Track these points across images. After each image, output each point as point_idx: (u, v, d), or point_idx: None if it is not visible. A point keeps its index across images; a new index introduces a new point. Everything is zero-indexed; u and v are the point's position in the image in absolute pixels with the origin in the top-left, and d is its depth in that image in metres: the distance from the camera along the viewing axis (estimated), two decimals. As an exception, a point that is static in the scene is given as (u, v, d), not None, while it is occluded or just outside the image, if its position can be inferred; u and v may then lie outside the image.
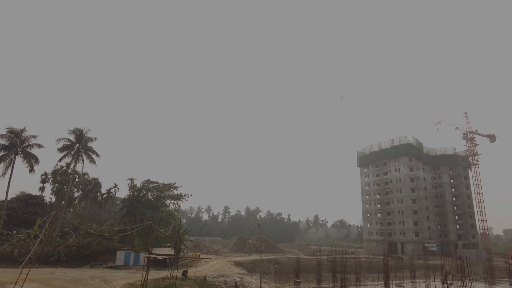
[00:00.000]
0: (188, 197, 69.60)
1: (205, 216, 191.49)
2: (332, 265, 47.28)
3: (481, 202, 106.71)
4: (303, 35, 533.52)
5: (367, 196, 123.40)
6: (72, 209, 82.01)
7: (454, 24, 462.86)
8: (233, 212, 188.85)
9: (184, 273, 39.20)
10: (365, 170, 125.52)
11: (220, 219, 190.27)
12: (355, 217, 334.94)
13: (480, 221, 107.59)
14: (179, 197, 68.52)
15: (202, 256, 70.48)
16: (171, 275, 35.38)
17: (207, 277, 39.69)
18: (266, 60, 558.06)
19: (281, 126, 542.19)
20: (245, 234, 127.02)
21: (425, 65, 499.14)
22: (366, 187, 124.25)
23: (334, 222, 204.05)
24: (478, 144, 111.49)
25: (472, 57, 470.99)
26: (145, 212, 62.76)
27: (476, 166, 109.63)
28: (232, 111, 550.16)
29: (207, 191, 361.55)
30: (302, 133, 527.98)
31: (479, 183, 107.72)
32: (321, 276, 44.46)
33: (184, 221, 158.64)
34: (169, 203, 69.43)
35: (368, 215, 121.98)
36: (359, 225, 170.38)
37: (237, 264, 61.26)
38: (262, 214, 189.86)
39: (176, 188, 68.30)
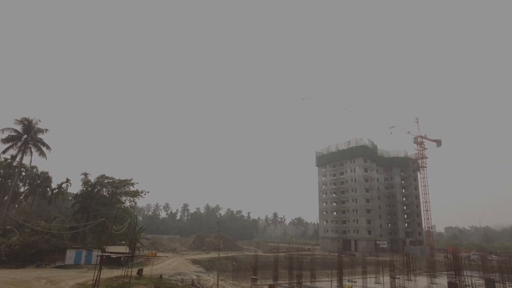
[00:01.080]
0: (145, 194, 67.67)
1: (163, 214, 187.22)
2: (289, 261, 48.28)
3: (427, 202, 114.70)
4: (268, 36, 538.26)
5: (324, 195, 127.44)
6: (16, 205, 76.38)
7: (409, 33, 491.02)
8: (192, 209, 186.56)
9: (139, 272, 38.09)
10: (323, 169, 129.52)
11: (178, 217, 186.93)
12: (312, 215, 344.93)
13: (426, 220, 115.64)
14: (135, 193, 66.37)
15: (159, 254, 68.83)
16: (126, 274, 34.23)
17: (163, 276, 38.91)
18: (231, 57, 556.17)
19: (243, 125, 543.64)
20: (204, 232, 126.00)
21: (381, 72, 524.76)
22: (323, 186, 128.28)
23: (292, 219, 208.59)
24: (426, 148, 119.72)
25: (424, 67, 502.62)
26: (99, 208, 60.06)
27: (424, 168, 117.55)
28: (195, 108, 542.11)
29: (165, 189, 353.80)
30: (264, 133, 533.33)
31: (426, 185, 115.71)
32: (278, 272, 45.33)
33: (140, 218, 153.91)
34: (124, 200, 67.07)
35: (324, 213, 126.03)
36: (315, 223, 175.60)
37: (195, 262, 60.63)
38: (222, 212, 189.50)
39: (132, 184, 66.12)
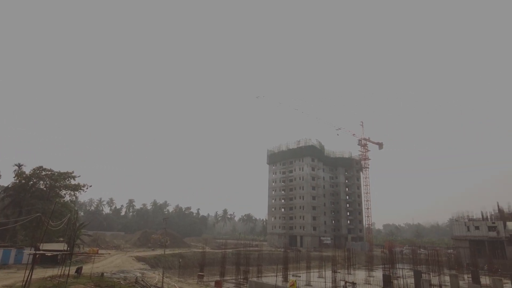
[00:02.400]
0: (87, 188, 63.77)
1: (106, 209, 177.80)
2: (237, 258, 48.69)
3: (368, 200, 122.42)
4: (227, 33, 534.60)
5: (273, 192, 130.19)
6: None
7: (357, 39, 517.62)
8: (138, 205, 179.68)
9: (78, 270, 35.90)
10: (273, 167, 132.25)
11: (123, 213, 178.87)
12: (261, 212, 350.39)
13: (367, 217, 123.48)
14: (76, 187, 62.25)
15: (101, 251, 65.44)
16: (62, 273, 32.10)
17: (104, 274, 37.14)
18: (184, 53, 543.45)
19: (194, 121, 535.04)
20: (151, 229, 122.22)
21: (331, 76, 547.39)
22: (273, 183, 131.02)
23: (242, 216, 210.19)
24: (369, 150, 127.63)
25: (372, 72, 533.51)
26: (34, 203, 55.38)
27: (367, 169, 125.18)
28: (145, 101, 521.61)
29: (110, 183, 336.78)
30: (215, 130, 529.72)
31: (368, 184, 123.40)
32: (225, 269, 45.52)
33: (82, 214, 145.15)
34: (64, 194, 62.64)
35: (273, 209, 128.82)
36: (264, 219, 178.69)
37: (140, 259, 58.63)
38: (171, 208, 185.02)
39: (73, 177, 61.93)
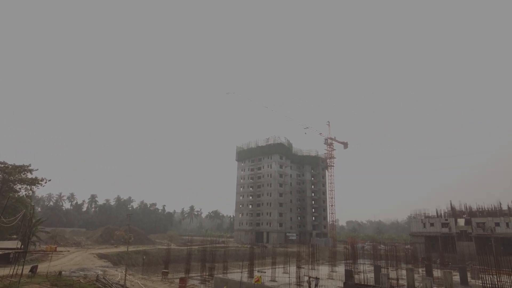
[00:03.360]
0: (46, 182, 60.58)
1: (67, 205, 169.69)
2: (203, 254, 48.43)
3: (332, 198, 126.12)
4: (198, 29, 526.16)
5: (241, 189, 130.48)
6: None
7: (327, 42, 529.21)
8: (101, 201, 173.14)
9: (33, 269, 34.08)
10: (242, 164, 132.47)
11: (85, 209, 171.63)
12: (229, 208, 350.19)
13: (331, 214, 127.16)
14: (33, 181, 58.96)
15: (59, 249, 62.56)
16: (15, 273, 30.34)
17: (63, 272, 35.61)
18: (156, 46, 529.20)
19: (162, 116, 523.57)
20: (114, 225, 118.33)
21: (300, 76, 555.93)
22: (241, 180, 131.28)
23: (209, 212, 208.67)
24: (335, 149, 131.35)
25: (341, 73, 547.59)
26: (-16, 198, 51.83)
27: (332, 167, 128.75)
28: (113, 96, 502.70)
29: (71, 178, 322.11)
30: (184, 125, 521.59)
31: (332, 182, 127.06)
32: (190, 265, 45.12)
33: (39, 209, 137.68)
34: (19, 188, 59.12)
35: (240, 206, 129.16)
36: (232, 216, 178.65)
37: (101, 256, 56.72)
38: (135, 204, 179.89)
39: (30, 171, 58.61)
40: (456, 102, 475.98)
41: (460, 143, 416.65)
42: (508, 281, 29.91)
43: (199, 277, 44.49)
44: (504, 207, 69.74)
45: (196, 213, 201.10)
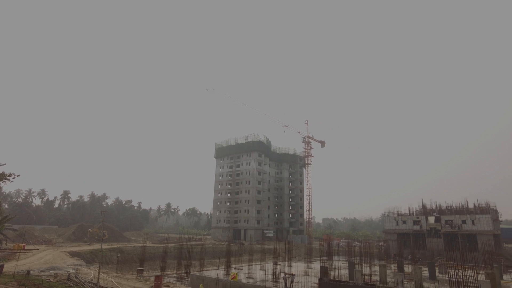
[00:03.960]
0: (14, 178, 57.88)
1: (37, 201, 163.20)
2: (179, 252, 47.99)
3: (309, 195, 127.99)
4: (177, 23, 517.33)
5: (219, 186, 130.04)
6: None
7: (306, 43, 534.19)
8: (74, 197, 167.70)
9: (-1, 268, 32.72)
10: (221, 161, 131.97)
11: (57, 205, 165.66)
12: (207, 206, 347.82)
13: (307, 211, 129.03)
14: (0, 177, 56.24)
15: (28, 247, 60.26)
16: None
17: (31, 271, 34.35)
18: (132, 40, 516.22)
19: (140, 112, 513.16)
20: (88, 222, 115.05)
21: (281, 75, 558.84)
22: (220, 177, 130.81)
23: (186, 210, 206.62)
24: (312, 148, 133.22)
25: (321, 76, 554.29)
26: None
27: (309, 165, 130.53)
28: (88, 90, 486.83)
29: (42, 173, 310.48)
30: (162, 121, 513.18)
31: (310, 180, 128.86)
32: (166, 263, 44.65)
33: (6, 206, 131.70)
34: (-15, 184, 56.37)
35: (218, 203, 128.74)
36: (209, 213, 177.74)
37: (74, 254, 55.10)
38: (110, 201, 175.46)
39: (-4, 166, 55.83)
40: (429, 101, 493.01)
41: (433, 141, 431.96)
42: (472, 275, 31.46)
43: (175, 275, 44.10)
44: (471, 205, 73.04)
45: (172, 210, 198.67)
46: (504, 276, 45.90)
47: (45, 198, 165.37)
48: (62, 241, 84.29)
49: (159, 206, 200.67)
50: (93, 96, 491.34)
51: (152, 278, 37.11)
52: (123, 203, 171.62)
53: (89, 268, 44.88)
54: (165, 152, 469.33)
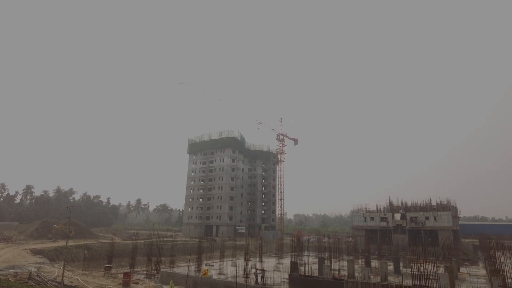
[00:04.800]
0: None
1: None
2: (149, 248, 47.16)
3: (282, 192, 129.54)
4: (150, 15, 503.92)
5: (192, 182, 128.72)
6: None
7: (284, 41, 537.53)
8: (38, 192, 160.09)
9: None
10: (194, 157, 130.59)
11: (18, 200, 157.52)
12: (178, 202, 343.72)
13: (280, 208, 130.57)
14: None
15: (-15, 245, 56.99)
16: None
17: (-10, 270, 32.53)
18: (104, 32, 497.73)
19: (108, 105, 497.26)
20: (53, 218, 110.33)
21: (257, 72, 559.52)
22: (192, 173, 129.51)
23: (156, 206, 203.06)
24: (286, 145, 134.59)
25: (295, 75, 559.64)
26: None
27: (282, 162, 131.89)
28: (55, 80, 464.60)
29: (2, 166, 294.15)
30: (133, 115, 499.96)
31: (282, 177, 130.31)
32: (135, 260, 43.76)
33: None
34: None
35: (190, 199, 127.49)
36: (181, 209, 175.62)
37: (36, 252, 52.74)
38: (77, 196, 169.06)
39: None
40: (401, 102, 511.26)
41: (402, 142, 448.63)
42: (433, 269, 33.07)
43: (145, 272, 43.34)
44: (434, 203, 76.75)
45: (143, 206, 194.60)
46: (461, 269, 48.70)
47: (5, 193, 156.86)
48: (23, 238, 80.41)
49: (129, 201, 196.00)
50: (58, 86, 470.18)
51: (121, 275, 36.26)
52: (91, 198, 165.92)
53: (53, 266, 43.19)
54: (136, 147, 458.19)
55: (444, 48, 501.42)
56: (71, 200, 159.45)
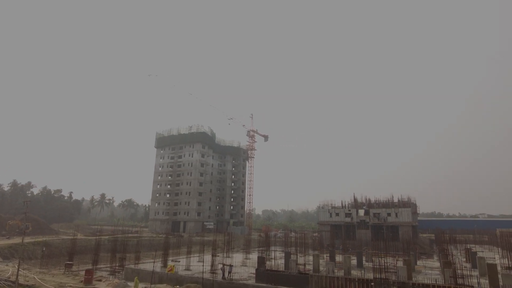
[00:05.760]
0: None
1: None
2: (113, 244, 45.80)
3: (251, 188, 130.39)
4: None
5: (159, 177, 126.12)
6: None
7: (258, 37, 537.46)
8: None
9: None
10: (161, 151, 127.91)
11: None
12: (144, 197, 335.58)
13: (248, 203, 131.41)
14: None
15: None
16: None
17: None
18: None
19: (70, 96, 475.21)
20: (8, 214, 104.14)
21: (229, 66, 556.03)
22: (160, 168, 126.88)
23: (122, 201, 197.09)
24: (256, 141, 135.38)
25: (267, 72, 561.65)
26: None
27: (252, 158, 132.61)
28: (16, 71, 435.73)
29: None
30: (97, 106, 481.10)
31: (252, 173, 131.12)
32: (98, 256, 42.39)
33: None
34: None
35: (157, 195, 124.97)
36: (147, 205, 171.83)
37: (-13, 250, 49.63)
38: (36, 190, 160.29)
39: None
40: (366, 99, 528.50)
41: (368, 141, 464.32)
42: (393, 262, 34.69)
43: (108, 268, 42.13)
44: (395, 200, 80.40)
45: (107, 201, 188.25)
46: (418, 262, 51.42)
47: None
48: (-27, 235, 75.29)
49: (93, 196, 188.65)
50: (19, 78, 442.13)
51: (82, 273, 34.98)
52: (52, 193, 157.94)
53: (7, 265, 40.90)
54: (102, 140, 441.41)
55: (415, 47, 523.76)
56: (29, 195, 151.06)
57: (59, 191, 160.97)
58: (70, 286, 29.73)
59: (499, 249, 64.84)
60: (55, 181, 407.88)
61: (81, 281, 31.62)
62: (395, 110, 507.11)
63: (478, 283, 30.78)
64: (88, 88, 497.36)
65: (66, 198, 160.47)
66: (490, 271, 30.92)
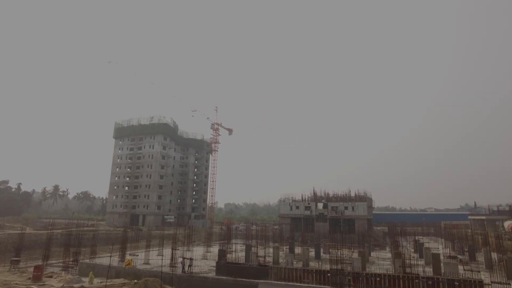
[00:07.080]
0: None
1: None
2: (67, 239, 43.68)
3: (214, 181, 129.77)
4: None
5: (117, 169, 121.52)
6: None
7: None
8: None
9: None
10: (120, 142, 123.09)
11: None
12: (101, 190, 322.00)
13: (211, 197, 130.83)
14: None
15: None
16: None
17: None
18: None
19: (19, 80, 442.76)
20: None
21: (194, 58, 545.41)
22: (118, 160, 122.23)
23: (77, 193, 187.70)
24: (220, 135, 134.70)
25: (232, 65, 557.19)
26: None
27: (216, 152, 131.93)
28: None
29: None
30: (49, 92, 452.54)
31: (215, 166, 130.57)
32: (50, 251, 40.29)
33: None
34: None
35: (115, 187, 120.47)
36: (104, 197, 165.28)
37: None
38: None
39: None
40: (336, 95, 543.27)
41: (330, 137, 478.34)
42: (349, 254, 36.31)
43: (61, 264, 40.16)
44: (352, 194, 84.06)
45: (61, 193, 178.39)
46: (372, 253, 54.32)
47: None
48: None
49: (45, 188, 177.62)
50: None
51: (31, 269, 33.07)
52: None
53: None
54: (56, 129, 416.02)
55: (380, 46, 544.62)
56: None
57: (6, 182, 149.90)
58: (17, 284, 28.00)
59: (443, 240, 70.05)
60: (1, 172, 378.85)
61: (29, 278, 29.92)
62: (363, 109, 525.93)
63: (423, 271, 33.21)
64: (42, 71, 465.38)
65: (14, 190, 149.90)
66: (434, 260, 33.53)
